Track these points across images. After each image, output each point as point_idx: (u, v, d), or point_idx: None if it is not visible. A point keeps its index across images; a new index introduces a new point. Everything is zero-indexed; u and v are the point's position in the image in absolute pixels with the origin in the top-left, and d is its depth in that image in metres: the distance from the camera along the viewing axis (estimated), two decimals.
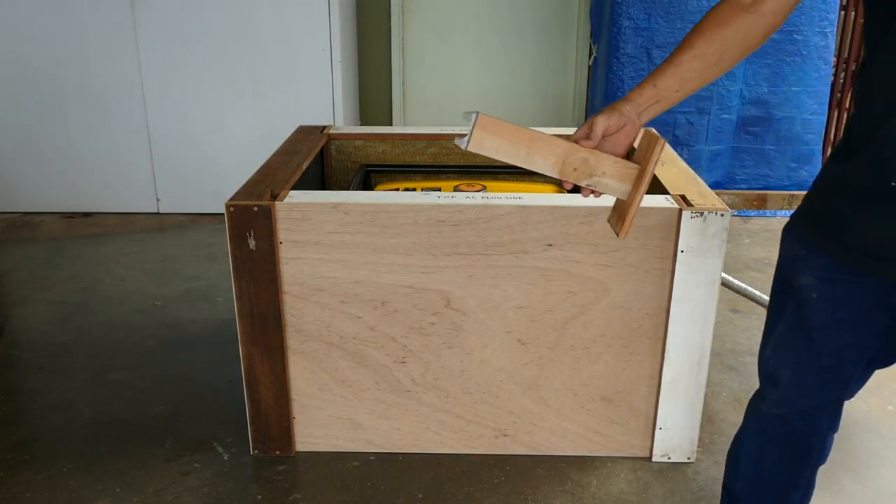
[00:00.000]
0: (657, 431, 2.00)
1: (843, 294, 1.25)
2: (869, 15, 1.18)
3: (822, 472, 1.54)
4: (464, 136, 1.32)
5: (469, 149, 1.32)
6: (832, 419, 1.40)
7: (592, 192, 1.37)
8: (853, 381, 1.35)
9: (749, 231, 3.86)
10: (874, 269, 1.19)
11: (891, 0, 1.11)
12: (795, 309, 1.32)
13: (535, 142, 1.34)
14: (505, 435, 2.03)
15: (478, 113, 1.30)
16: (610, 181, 1.37)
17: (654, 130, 1.37)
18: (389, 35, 4.38)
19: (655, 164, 1.35)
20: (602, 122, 1.31)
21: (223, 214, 1.82)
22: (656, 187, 1.99)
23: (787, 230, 1.34)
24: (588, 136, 1.33)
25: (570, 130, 2.59)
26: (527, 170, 1.47)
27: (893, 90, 1.11)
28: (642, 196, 1.36)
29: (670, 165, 2.12)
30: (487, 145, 1.32)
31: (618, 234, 1.40)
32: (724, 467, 1.61)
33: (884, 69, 1.13)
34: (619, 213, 1.42)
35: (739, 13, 1.26)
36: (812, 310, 1.28)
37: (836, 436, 1.45)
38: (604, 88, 3.75)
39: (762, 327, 1.43)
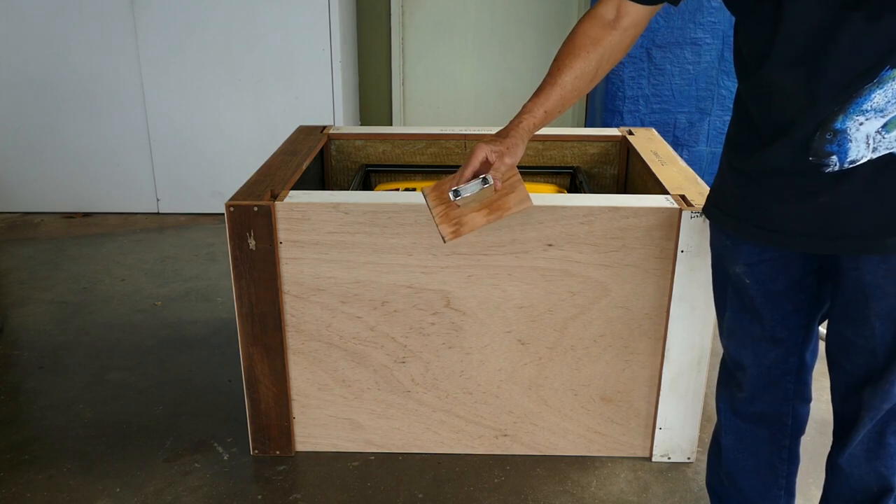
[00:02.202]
0: (657, 431, 2.00)
1: (772, 271, 1.36)
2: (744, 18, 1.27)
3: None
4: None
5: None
6: (799, 384, 1.48)
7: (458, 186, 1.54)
8: (807, 344, 1.45)
9: None
10: (794, 245, 1.30)
11: None
12: (736, 294, 1.43)
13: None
14: (505, 435, 2.03)
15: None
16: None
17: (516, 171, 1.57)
18: (389, 35, 4.37)
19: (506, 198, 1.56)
20: (510, 161, 1.49)
21: (223, 214, 1.82)
22: (656, 187, 1.99)
23: (712, 225, 1.46)
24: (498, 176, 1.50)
25: (566, 130, 2.59)
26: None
27: (798, 83, 1.17)
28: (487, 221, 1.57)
29: (670, 165, 2.12)
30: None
31: (444, 239, 1.57)
32: None
33: (781, 63, 1.19)
34: (456, 220, 1.58)
35: (607, 30, 1.42)
36: (750, 292, 1.39)
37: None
38: (604, 88, 3.74)
39: None
